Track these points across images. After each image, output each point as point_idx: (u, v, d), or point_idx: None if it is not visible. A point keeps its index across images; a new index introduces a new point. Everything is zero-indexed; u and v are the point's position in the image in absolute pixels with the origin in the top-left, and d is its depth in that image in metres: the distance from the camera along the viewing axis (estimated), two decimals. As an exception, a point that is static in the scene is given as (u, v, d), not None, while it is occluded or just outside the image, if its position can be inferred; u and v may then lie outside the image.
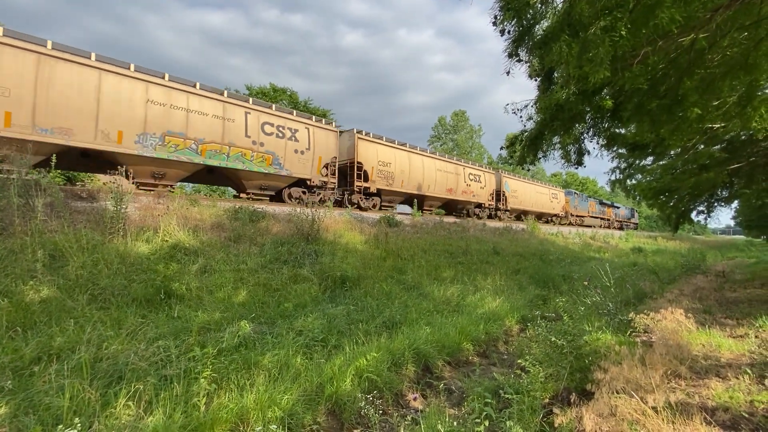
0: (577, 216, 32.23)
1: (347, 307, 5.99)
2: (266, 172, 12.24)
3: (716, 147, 9.15)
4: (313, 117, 14.04)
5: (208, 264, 6.56)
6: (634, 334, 5.45)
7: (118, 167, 7.93)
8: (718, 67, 4.36)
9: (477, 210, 21.99)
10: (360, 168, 15.17)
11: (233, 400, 3.24)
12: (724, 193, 12.38)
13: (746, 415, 3.16)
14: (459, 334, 5.65)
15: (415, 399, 3.94)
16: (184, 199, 8.91)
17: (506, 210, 24.00)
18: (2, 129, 7.77)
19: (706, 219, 13.90)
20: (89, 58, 8.96)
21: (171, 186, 10.74)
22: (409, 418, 3.48)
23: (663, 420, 2.94)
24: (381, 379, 4.07)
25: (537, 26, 3.65)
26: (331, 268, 7.36)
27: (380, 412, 3.51)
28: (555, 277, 10.67)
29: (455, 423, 3.10)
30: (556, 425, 3.05)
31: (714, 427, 2.92)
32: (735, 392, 3.54)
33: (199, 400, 3.11)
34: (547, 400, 3.77)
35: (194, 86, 10.73)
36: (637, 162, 10.91)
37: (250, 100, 12.26)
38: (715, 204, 13.07)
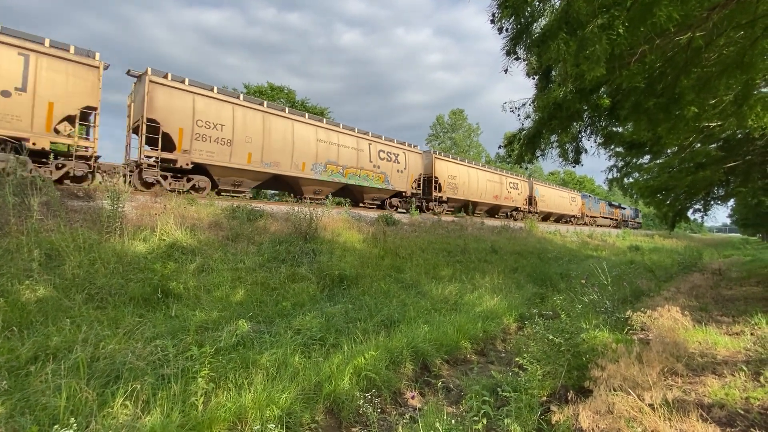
0: (590, 216, 35.37)
1: (345, 306, 5.99)
2: (380, 187, 16.62)
3: (713, 145, 9.20)
4: (406, 143, 17.96)
5: (205, 263, 6.54)
6: (631, 331, 5.48)
7: (296, 187, 14.11)
8: (715, 65, 4.37)
9: (514, 213, 25.35)
10: (436, 181, 18.83)
11: (231, 399, 3.23)
12: (720, 191, 12.44)
13: (742, 412, 3.18)
14: (457, 332, 5.66)
15: (413, 397, 3.94)
16: (181, 198, 8.88)
17: (536, 212, 27.55)
18: (246, 164, 12.07)
19: (702, 217, 13.98)
20: (285, 111, 13.59)
21: (323, 199, 14.68)
22: (407, 416, 3.49)
23: (660, 417, 2.95)
24: (379, 378, 4.07)
25: (535, 24, 3.65)
26: (330, 267, 7.35)
27: (378, 410, 3.51)
28: (553, 276, 10.71)
29: (453, 421, 3.10)
30: (553, 423, 3.06)
31: (710, 423, 2.94)
32: (731, 389, 3.56)
33: (196, 400, 3.10)
34: (544, 398, 3.78)
35: (339, 126, 15.27)
36: (635, 160, 10.96)
37: (369, 133, 16.44)
38: (712, 202, 13.13)
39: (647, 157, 10.65)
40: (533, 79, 4.49)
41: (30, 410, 2.72)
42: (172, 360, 3.55)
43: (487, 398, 3.44)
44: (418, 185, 18.23)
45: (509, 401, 3.39)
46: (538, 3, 3.49)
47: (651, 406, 3.06)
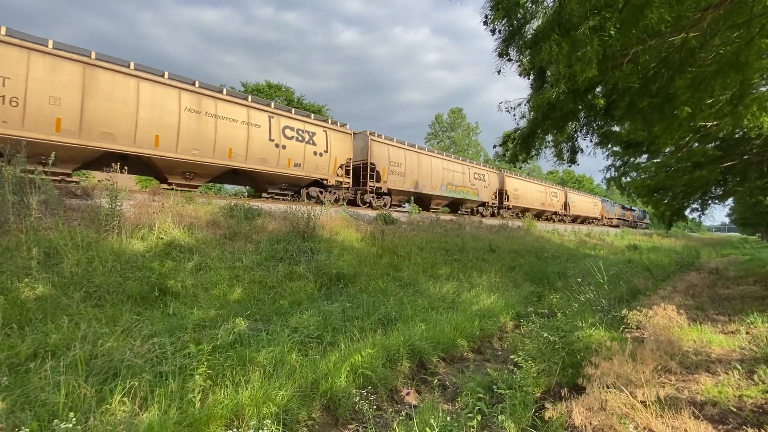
0: (608, 218, 40.05)
1: (343, 305, 6.02)
2: (473, 199, 22.43)
3: (710, 145, 9.23)
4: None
5: (203, 261, 6.56)
6: (626, 330, 5.51)
7: (428, 201, 19.54)
8: (710, 65, 4.40)
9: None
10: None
11: (228, 396, 3.26)
12: (718, 190, 12.49)
13: (734, 410, 3.22)
14: (454, 330, 5.70)
15: (408, 394, 3.98)
16: (179, 196, 8.90)
17: (567, 214, 31.15)
18: (410, 188, 17.89)
19: (700, 216, 14.05)
20: (414, 146, 18.48)
21: (438, 208, 19.84)
22: (403, 413, 3.52)
23: (652, 414, 2.99)
24: (376, 375, 4.11)
25: (527, 26, 3.67)
26: (327, 266, 7.38)
27: (375, 407, 3.55)
28: (550, 275, 10.75)
29: (449, 418, 3.14)
30: (546, 419, 3.10)
31: (702, 421, 2.97)
32: (724, 387, 3.60)
33: (194, 397, 3.13)
34: (539, 395, 3.82)
35: (452, 156, 20.77)
36: (632, 160, 11.00)
37: (467, 160, 22.28)
38: (709, 201, 13.19)
39: (644, 156, 10.70)
40: (528, 79, 4.52)
41: (30, 406, 2.75)
42: (170, 357, 3.58)
43: (482, 395, 3.48)
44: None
45: (504, 398, 3.43)
46: (530, 5, 3.51)
47: (643, 403, 3.10)
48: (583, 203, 35.38)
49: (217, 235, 7.87)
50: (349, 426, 3.59)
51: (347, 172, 15.23)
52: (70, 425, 2.36)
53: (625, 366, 3.66)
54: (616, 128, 6.97)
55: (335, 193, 14.92)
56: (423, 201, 19.67)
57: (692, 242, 33.01)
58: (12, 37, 8.17)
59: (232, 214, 8.98)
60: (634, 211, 47.70)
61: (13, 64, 8.08)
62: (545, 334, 4.22)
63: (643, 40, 3.41)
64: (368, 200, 16.10)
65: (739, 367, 4.04)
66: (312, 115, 14.50)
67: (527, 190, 27.28)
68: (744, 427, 2.94)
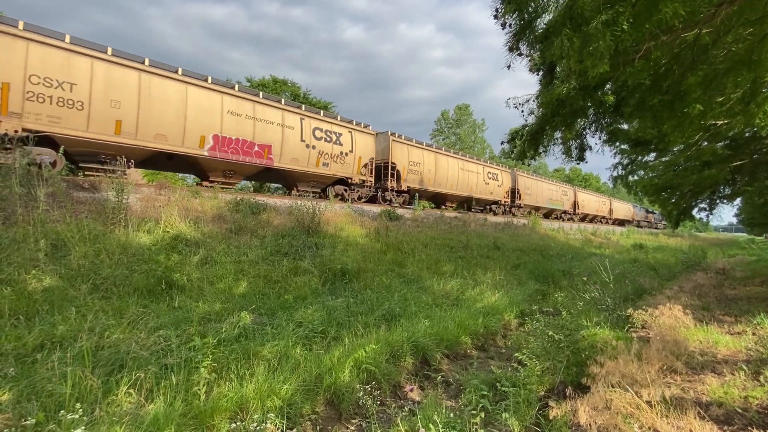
0: (637, 221, 44.76)
1: (347, 300, 6.03)
2: (489, 199, 23.00)
3: (719, 144, 9.11)
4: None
5: (209, 255, 6.59)
6: (631, 329, 5.48)
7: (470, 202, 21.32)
8: (722, 63, 4.32)
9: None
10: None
11: (233, 389, 3.28)
12: (726, 190, 12.36)
13: (740, 411, 3.19)
14: (458, 327, 5.68)
15: (411, 390, 3.98)
16: (185, 190, 8.93)
17: (576, 213, 32.50)
18: (442, 189, 19.42)
19: (707, 216, 13.90)
20: (432, 146, 19.29)
21: (453, 206, 20.79)
22: (406, 409, 3.53)
23: (657, 414, 2.97)
24: (379, 371, 4.11)
25: (538, 20, 3.62)
26: (332, 261, 7.39)
27: (378, 402, 3.56)
28: (555, 273, 10.69)
29: (452, 414, 3.14)
30: (551, 418, 3.09)
31: (707, 421, 2.95)
32: (730, 388, 3.56)
33: (199, 389, 3.15)
34: (543, 393, 3.81)
35: (464, 154, 20.60)
36: (640, 158, 10.88)
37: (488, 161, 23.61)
38: (717, 201, 13.05)
39: (652, 154, 10.59)
40: (537, 75, 4.47)
41: (36, 396, 2.78)
42: (175, 350, 3.60)
43: (485, 393, 3.48)
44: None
45: (508, 396, 3.42)
46: (542, -2, 3.46)
47: (648, 403, 3.08)
48: (620, 209, 40.10)
49: (223, 229, 7.90)
50: (353, 421, 3.60)
51: (370, 171, 15.89)
52: (77, 416, 2.38)
53: (630, 365, 3.64)
54: (625, 126, 6.89)
55: (358, 191, 15.59)
56: (438, 199, 20.80)
57: (699, 242, 32.72)
58: (77, 45, 8.87)
59: (238, 208, 9.00)
60: (654, 213, 51.04)
61: (80, 71, 8.84)
62: (550, 333, 4.19)
63: (656, 35, 3.35)
64: (389, 198, 16.45)
65: (745, 368, 4.01)
66: (338, 117, 15.11)
67: (539, 188, 27.94)
68: (749, 428, 2.91)
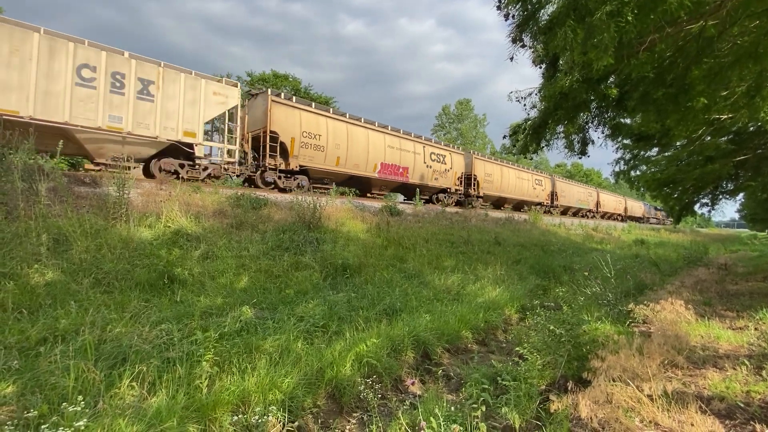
0: (647, 218, 48.78)
1: (348, 294, 6.03)
2: (535, 201, 27.30)
3: (723, 138, 9.05)
4: (451, 145, 22.57)
5: (210, 250, 6.60)
6: (633, 324, 5.48)
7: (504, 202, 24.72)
8: (727, 55, 4.27)
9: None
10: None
11: (235, 382, 3.29)
12: (729, 185, 12.30)
13: (742, 405, 3.19)
14: (458, 322, 5.69)
15: (412, 384, 3.99)
16: (185, 185, 8.93)
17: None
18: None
19: (710, 211, 13.86)
20: (525, 168, 26.54)
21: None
22: (407, 402, 3.54)
23: (658, 408, 2.97)
24: (380, 365, 4.12)
25: (542, 11, 3.57)
26: (333, 256, 7.39)
27: (379, 396, 3.57)
28: (556, 268, 10.69)
29: (453, 408, 3.14)
30: (552, 411, 3.09)
31: (709, 415, 2.95)
32: (731, 382, 3.56)
33: (201, 382, 3.16)
34: (543, 387, 3.81)
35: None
36: (642, 153, 10.83)
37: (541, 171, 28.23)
38: (720, 196, 12.99)
39: (655, 149, 10.53)
40: (540, 68, 4.42)
41: (40, 389, 2.79)
42: (177, 344, 3.61)
43: (486, 386, 3.48)
44: (460, 182, 21.14)
45: (508, 390, 3.42)
46: (546, -12, 3.41)
47: (650, 396, 3.08)
48: (637, 207, 44.87)
49: (224, 224, 7.90)
50: (354, 414, 3.61)
51: (460, 182, 21.03)
52: (79, 408, 2.40)
53: (631, 360, 3.64)
54: (628, 120, 6.84)
55: (452, 197, 20.59)
56: (501, 202, 24.68)
57: (700, 238, 32.65)
58: (320, 110, 14.55)
59: (239, 203, 9.00)
60: (662, 210, 54.95)
61: (321, 126, 14.24)
62: (551, 327, 4.19)
63: (661, 27, 3.31)
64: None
65: (747, 362, 4.00)
66: (441, 143, 21.06)
67: (571, 191, 31.94)
68: (751, 422, 2.92)
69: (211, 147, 11.46)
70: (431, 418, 2.82)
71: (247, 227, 8.09)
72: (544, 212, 26.01)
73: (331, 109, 15.71)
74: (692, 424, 2.81)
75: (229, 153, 11.84)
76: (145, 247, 5.95)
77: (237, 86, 11.94)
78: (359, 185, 17.19)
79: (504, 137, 6.77)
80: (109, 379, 3.03)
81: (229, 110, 11.63)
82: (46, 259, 4.81)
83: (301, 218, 8.92)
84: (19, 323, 3.68)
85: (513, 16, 3.61)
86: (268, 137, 12.49)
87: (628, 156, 11.03)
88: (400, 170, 17.45)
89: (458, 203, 21.07)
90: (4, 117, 7.57)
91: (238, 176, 12.85)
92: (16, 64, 7.95)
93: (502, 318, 6.64)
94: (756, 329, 5.38)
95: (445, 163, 19.99)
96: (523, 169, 26.95)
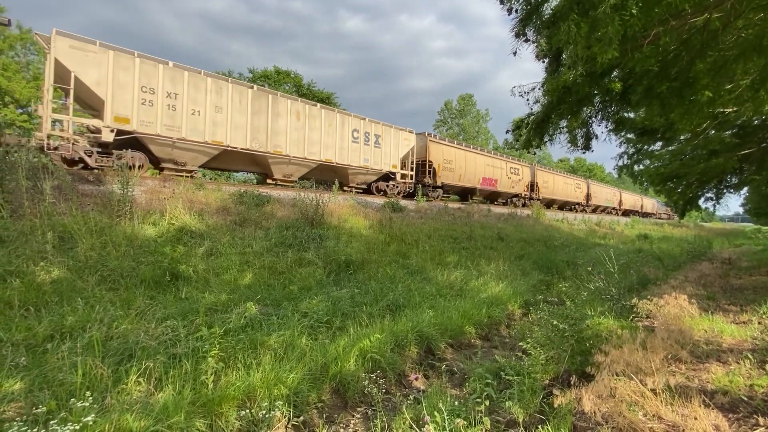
0: (659, 214, 50.52)
1: (351, 291, 6.05)
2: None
3: (727, 132, 8.99)
4: (521, 159, 26.59)
5: (214, 247, 6.63)
6: (636, 319, 5.47)
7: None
8: (732, 49, 4.23)
9: (514, 199, 26.83)
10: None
11: (240, 378, 3.32)
12: (733, 179, 12.23)
13: (745, 399, 3.19)
14: (462, 317, 5.70)
15: (416, 379, 4.01)
16: (189, 182, 8.96)
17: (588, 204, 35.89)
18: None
19: (714, 206, 13.79)
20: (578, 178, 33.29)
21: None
22: (411, 397, 3.56)
23: (661, 402, 2.98)
24: (384, 360, 4.14)
25: (545, 5, 3.54)
26: (336, 252, 7.41)
27: (383, 391, 3.59)
28: (559, 263, 10.67)
29: (456, 402, 3.16)
30: (555, 405, 3.10)
31: (712, 409, 2.95)
32: (735, 376, 3.56)
33: (207, 378, 3.19)
34: (547, 382, 3.82)
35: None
36: (646, 147, 10.77)
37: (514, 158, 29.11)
38: (724, 190, 12.92)
39: (659, 144, 10.47)
40: (543, 62, 4.40)
41: (48, 386, 2.83)
42: (183, 340, 3.64)
43: (490, 381, 3.50)
44: (411, 169, 19.27)
45: (512, 384, 3.44)
46: (549, -18, 3.38)
47: (653, 391, 3.09)
48: (631, 200, 45.02)
49: (227, 221, 7.93)
50: (358, 408, 3.64)
51: (526, 188, 25.39)
52: (87, 404, 2.43)
53: (635, 354, 3.64)
54: (632, 114, 6.80)
55: (521, 200, 24.87)
56: (466, 193, 24.48)
57: (704, 232, 32.50)
58: (458, 145, 21.24)
59: (242, 200, 9.02)
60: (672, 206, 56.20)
61: (458, 157, 20.74)
62: (554, 322, 4.19)
63: (665, 20, 3.28)
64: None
65: (750, 356, 4.00)
66: (517, 159, 26.58)
67: (601, 192, 36.65)
68: (754, 415, 2.92)
69: (400, 173, 17.60)
70: (435, 413, 2.83)
71: (251, 224, 8.12)
72: (522, 206, 25.63)
73: (455, 141, 22.04)
74: (695, 418, 2.81)
75: (405, 176, 18.11)
76: (150, 245, 5.99)
77: (413, 133, 18.24)
78: (467, 193, 22.60)
79: (507, 132, 6.75)
80: (117, 375, 3.06)
81: (410, 149, 17.91)
82: (51, 256, 4.85)
83: (303, 215, 8.94)
84: (26, 320, 3.72)
85: (516, 11, 3.58)
86: (427, 164, 18.88)
87: (631, 150, 10.97)
88: (493, 182, 23.39)
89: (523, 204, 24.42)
90: (328, 164, 14.18)
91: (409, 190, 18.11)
92: (331, 132, 14.27)
93: (505, 313, 6.64)
94: (760, 323, 5.37)
95: (519, 175, 25.31)
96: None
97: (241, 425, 2.92)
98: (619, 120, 6.36)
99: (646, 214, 46.09)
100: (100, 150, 9.39)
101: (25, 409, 2.56)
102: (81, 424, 2.26)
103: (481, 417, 2.79)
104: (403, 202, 13.93)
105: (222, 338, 3.72)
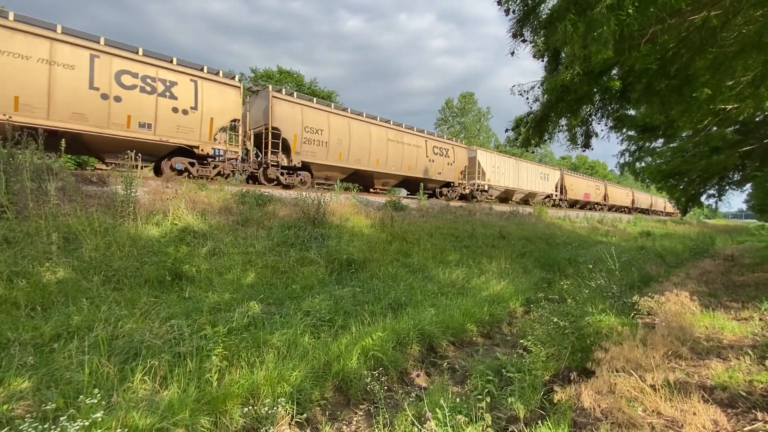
0: (668, 212, 51.95)
1: (353, 289, 6.09)
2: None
3: (728, 129, 8.97)
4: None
5: (217, 247, 6.68)
6: (637, 316, 5.49)
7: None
8: (732, 45, 4.24)
9: (546, 200, 29.02)
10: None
11: (244, 376, 3.36)
12: (735, 176, 12.19)
13: (744, 394, 3.21)
14: (463, 315, 5.73)
15: (418, 376, 4.04)
16: (191, 183, 9.02)
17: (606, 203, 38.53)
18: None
19: (716, 202, 13.74)
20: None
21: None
22: (413, 394, 3.60)
23: (661, 397, 3.00)
24: (386, 358, 4.18)
25: (542, 5, 3.56)
26: (338, 251, 7.45)
27: (385, 388, 3.63)
28: (560, 261, 10.68)
29: (458, 399, 3.19)
30: (555, 401, 3.13)
31: (711, 404, 2.98)
32: (735, 372, 3.58)
33: (211, 376, 3.24)
34: (548, 379, 3.85)
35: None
36: (647, 144, 10.75)
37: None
38: (726, 187, 12.88)
39: (660, 141, 10.45)
40: (541, 61, 4.41)
41: (55, 384, 2.88)
42: (187, 339, 3.69)
43: (491, 378, 3.53)
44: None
45: (513, 381, 3.46)
46: (546, -17, 3.40)
47: (653, 386, 3.11)
48: (644, 198, 47.70)
49: (230, 221, 7.98)
50: (361, 406, 3.68)
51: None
52: (95, 401, 2.48)
53: (635, 351, 3.67)
54: (632, 112, 6.80)
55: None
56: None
57: (707, 229, 32.38)
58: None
59: (244, 200, 9.07)
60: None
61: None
62: (555, 319, 4.22)
63: (662, 19, 3.29)
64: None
65: (750, 353, 4.01)
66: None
67: (617, 193, 39.93)
68: (753, 410, 2.94)
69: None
70: (437, 410, 2.87)
71: (253, 224, 8.16)
72: (598, 210, 29.18)
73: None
74: (694, 413, 2.84)
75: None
76: (153, 245, 6.04)
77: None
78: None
79: (507, 130, 6.77)
80: (123, 374, 3.12)
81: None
82: (56, 257, 4.90)
83: (305, 214, 8.98)
84: (33, 320, 3.77)
85: (513, 12, 3.60)
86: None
87: (632, 148, 10.96)
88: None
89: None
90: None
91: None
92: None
93: (506, 311, 6.67)
94: (761, 320, 5.38)
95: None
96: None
97: (245, 422, 2.97)
98: (619, 118, 6.36)
99: (655, 212, 48.68)
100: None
101: (34, 406, 2.61)
102: (90, 421, 2.31)
103: (482, 413, 2.83)
104: (405, 201, 13.92)
105: (226, 337, 3.77)
